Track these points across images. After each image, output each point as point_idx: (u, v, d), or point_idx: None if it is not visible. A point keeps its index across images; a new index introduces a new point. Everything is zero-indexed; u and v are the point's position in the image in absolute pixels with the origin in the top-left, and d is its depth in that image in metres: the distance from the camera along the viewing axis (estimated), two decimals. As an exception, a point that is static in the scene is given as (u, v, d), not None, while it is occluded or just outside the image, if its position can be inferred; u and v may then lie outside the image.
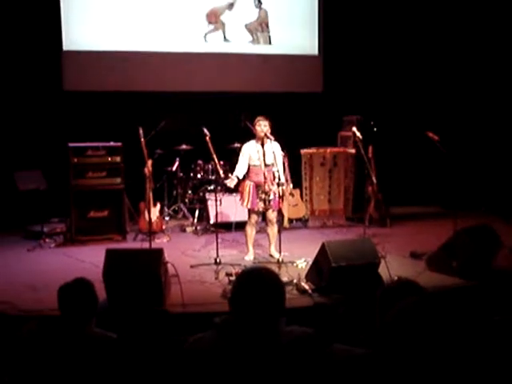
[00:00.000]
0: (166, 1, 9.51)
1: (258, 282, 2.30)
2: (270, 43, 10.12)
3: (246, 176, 6.68)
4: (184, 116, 8.85)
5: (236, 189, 6.94)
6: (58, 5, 9.05)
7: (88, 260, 6.61)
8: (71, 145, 7.84)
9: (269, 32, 10.10)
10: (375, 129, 8.54)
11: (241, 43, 9.97)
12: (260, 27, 10.06)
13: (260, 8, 9.96)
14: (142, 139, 7.10)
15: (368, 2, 9.97)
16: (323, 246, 5.56)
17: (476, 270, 5.92)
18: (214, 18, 9.76)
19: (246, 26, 9.96)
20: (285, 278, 5.65)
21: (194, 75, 9.63)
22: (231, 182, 6.63)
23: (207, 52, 9.75)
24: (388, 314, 2.05)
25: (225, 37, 9.88)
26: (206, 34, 9.72)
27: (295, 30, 10.21)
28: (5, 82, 8.75)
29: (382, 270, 5.65)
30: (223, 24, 9.83)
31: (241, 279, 2.38)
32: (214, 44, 9.82)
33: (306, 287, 5.49)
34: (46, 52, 8.96)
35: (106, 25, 9.29)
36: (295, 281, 5.63)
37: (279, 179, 6.51)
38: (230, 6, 9.81)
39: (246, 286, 2.31)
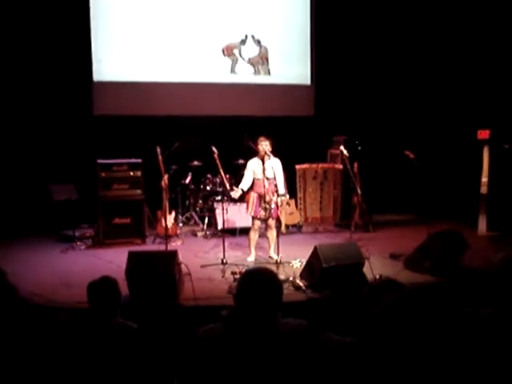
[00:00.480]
0: (180, 38, 9.49)
1: (259, 281, 2.29)
2: (269, 74, 10.13)
3: (251, 188, 6.68)
4: (195, 137, 8.83)
5: (240, 199, 6.92)
6: (90, 44, 9.09)
7: (113, 260, 6.58)
8: (99, 161, 7.83)
9: (268, 65, 10.11)
10: (360, 147, 8.52)
11: (245, 75, 9.99)
12: (261, 61, 10.07)
13: (260, 45, 10.00)
14: (160, 157, 7.09)
15: (352, 42, 9.96)
16: (315, 248, 5.54)
17: (446, 269, 5.91)
18: (229, 51, 9.80)
19: (249, 60, 9.99)
20: (282, 276, 5.63)
21: (204, 102, 9.61)
22: (235, 194, 6.61)
23: (216, 82, 9.77)
24: (374, 308, 2.04)
25: (232, 69, 9.91)
26: (232, 67, 9.80)
27: (291, 64, 10.21)
28: (44, 108, 8.76)
29: (366, 269, 5.63)
30: (236, 57, 9.87)
31: (244, 278, 2.36)
32: (223, 75, 9.85)
33: (301, 284, 5.47)
34: (79, 82, 8.97)
35: (128, 59, 9.30)
36: (291, 278, 5.60)
37: (277, 190, 6.54)
38: (243, 41, 9.86)
39: (249, 284, 2.29)
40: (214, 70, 9.76)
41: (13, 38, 8.54)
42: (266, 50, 10.04)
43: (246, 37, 9.88)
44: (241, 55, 9.90)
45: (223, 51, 9.77)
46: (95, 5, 9.09)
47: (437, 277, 5.83)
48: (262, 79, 10.08)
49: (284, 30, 10.11)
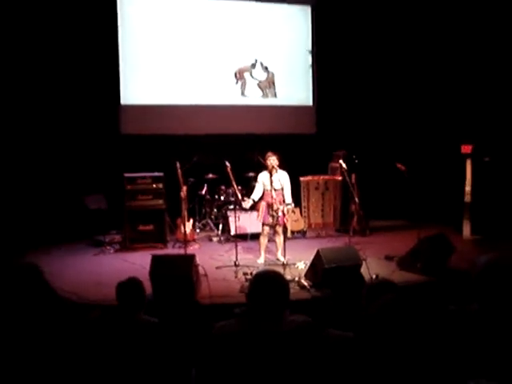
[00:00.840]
0: (196, 66, 9.54)
1: (269, 282, 2.28)
2: (276, 97, 10.16)
3: (261, 198, 6.68)
4: (210, 152, 8.85)
5: (250, 207, 6.92)
6: (118, 72, 9.18)
7: (138, 263, 6.60)
8: (126, 175, 7.87)
9: (275, 88, 10.14)
10: (357, 161, 8.49)
11: (254, 97, 10.02)
12: (268, 85, 10.10)
13: (268, 71, 10.03)
14: (179, 170, 7.09)
15: (349, 67, 9.96)
16: (318, 251, 5.53)
17: (435, 269, 5.87)
18: (241, 75, 9.84)
19: (258, 84, 10.03)
20: (288, 277, 5.62)
21: (218, 122, 9.64)
22: (247, 204, 6.63)
23: (228, 104, 9.80)
24: (371, 306, 2.03)
25: (242, 92, 9.94)
26: (242, 90, 9.85)
27: (295, 87, 10.25)
28: (79, 128, 8.82)
29: (364, 270, 5.60)
30: (246, 81, 9.90)
31: (256, 280, 2.35)
32: (234, 98, 9.89)
33: (305, 284, 5.45)
34: (109, 105, 9.06)
35: (151, 85, 9.36)
36: (296, 279, 5.59)
37: (289, 200, 6.57)
38: (253, 65, 9.89)
39: (260, 285, 2.28)
40: (227, 94, 9.80)
41: (53, 66, 8.64)
42: (272, 75, 10.08)
43: (256, 61, 9.92)
44: (252, 76, 9.93)
45: (235, 75, 9.82)
46: (123, 38, 9.18)
47: (427, 276, 5.79)
48: (270, 101, 10.11)
49: (288, 56, 10.15)
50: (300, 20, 10.23)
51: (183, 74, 9.50)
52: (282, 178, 6.59)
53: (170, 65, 9.44)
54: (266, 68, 9.98)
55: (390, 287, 2.45)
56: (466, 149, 8.31)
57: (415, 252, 6.18)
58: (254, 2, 9.85)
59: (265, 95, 10.07)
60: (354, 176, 8.13)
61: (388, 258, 6.69)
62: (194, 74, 9.54)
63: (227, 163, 6.58)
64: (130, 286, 3.20)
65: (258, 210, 6.74)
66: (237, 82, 9.84)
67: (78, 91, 8.78)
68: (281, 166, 6.63)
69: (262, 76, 10.01)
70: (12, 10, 8.31)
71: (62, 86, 8.71)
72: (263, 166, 6.71)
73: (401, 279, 5.53)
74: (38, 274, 3.29)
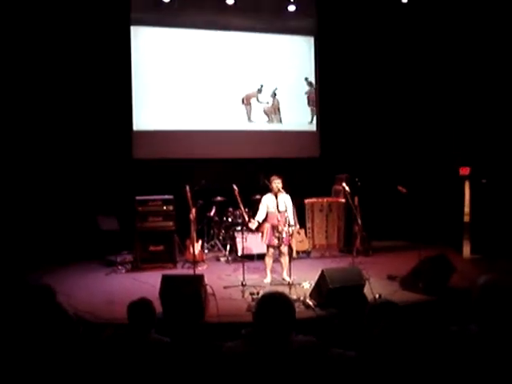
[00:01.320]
0: (203, 94, 9.67)
1: (275, 304, 2.28)
2: (281, 122, 10.24)
3: (265, 220, 6.69)
4: (219, 176, 8.91)
5: (257, 229, 6.92)
6: (131, 100, 9.32)
7: (148, 282, 6.56)
8: (137, 198, 7.90)
9: (280, 114, 10.23)
10: (359, 184, 8.49)
11: (260, 123, 10.11)
12: (274, 111, 10.20)
13: (274, 97, 10.14)
14: (188, 193, 7.13)
15: (351, 93, 10.06)
16: (322, 272, 5.51)
17: (436, 289, 5.82)
18: (247, 101, 9.95)
19: (263, 109, 10.13)
20: (294, 296, 5.60)
21: (225, 147, 9.70)
22: (253, 225, 6.64)
23: (235, 130, 9.88)
24: (373, 328, 2.03)
25: (249, 118, 10.04)
26: (249, 116, 9.95)
27: (299, 113, 10.34)
28: (93, 152, 8.93)
29: (367, 289, 5.56)
30: (251, 107, 10.00)
31: (262, 301, 2.35)
32: (241, 123, 9.98)
33: (310, 303, 5.42)
34: (121, 130, 9.18)
35: (161, 112, 9.48)
36: (302, 298, 5.55)
37: (289, 222, 6.55)
38: (259, 90, 10.00)
39: (266, 307, 2.28)
40: (234, 119, 9.90)
41: (72, 94, 8.81)
42: (278, 101, 10.18)
43: (262, 86, 10.02)
44: (258, 100, 10.02)
45: (243, 100, 9.92)
46: (136, 67, 9.35)
47: (428, 296, 5.74)
48: (275, 126, 10.18)
49: (293, 84, 10.24)
50: (303, 49, 10.37)
51: (192, 101, 9.62)
52: (286, 201, 6.62)
53: (180, 92, 9.58)
54: (274, 94, 10.09)
55: (391, 307, 2.44)
56: (464, 171, 8.33)
57: (417, 272, 6.14)
58: (259, 34, 10.00)
59: (270, 121, 10.16)
60: (356, 198, 8.11)
61: (390, 277, 6.64)
62: (202, 101, 9.66)
63: (235, 187, 6.62)
64: (141, 305, 3.21)
65: (262, 232, 6.73)
66: (246, 107, 9.95)
67: (93, 118, 8.92)
68: (285, 189, 6.65)
69: (268, 101, 10.11)
70: (31, 41, 8.51)
71: (79, 113, 8.86)
72: (268, 189, 6.74)
73: (403, 299, 5.50)
74: (51, 295, 3.31)
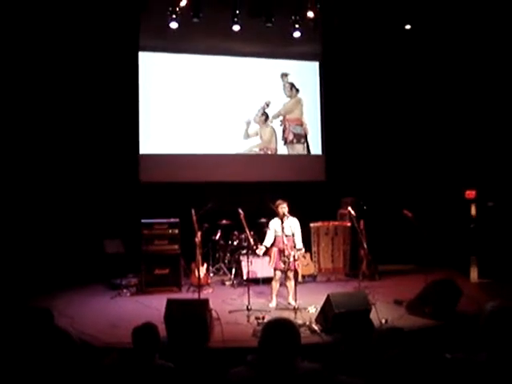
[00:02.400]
0: (209, 119, 9.76)
1: (280, 331, 2.26)
2: (287, 147, 10.31)
3: (273, 244, 6.69)
4: (224, 199, 8.93)
5: (264, 253, 6.90)
6: (138, 125, 9.43)
7: (153, 306, 6.54)
8: (143, 221, 7.92)
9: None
10: (365, 207, 8.49)
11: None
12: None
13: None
14: (194, 217, 7.15)
15: (356, 117, 10.14)
16: (328, 296, 5.46)
17: (443, 314, 5.75)
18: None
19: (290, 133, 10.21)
20: (299, 321, 5.55)
21: (231, 170, 9.77)
22: (260, 251, 6.64)
23: (240, 153, 9.95)
24: (382, 357, 2.01)
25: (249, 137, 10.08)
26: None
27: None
28: (101, 176, 9.01)
29: (373, 314, 5.50)
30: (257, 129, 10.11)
31: (267, 328, 2.34)
32: (247, 147, 10.06)
33: (316, 328, 5.36)
34: (128, 154, 9.27)
35: (168, 136, 9.58)
36: (307, 323, 5.50)
37: (299, 245, 6.57)
38: (264, 114, 10.10)
39: (271, 333, 2.27)
40: (239, 144, 9.97)
41: (79, 118, 8.95)
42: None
43: (266, 112, 10.13)
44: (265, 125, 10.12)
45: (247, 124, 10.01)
46: (143, 94, 9.49)
47: (435, 321, 5.67)
48: (281, 150, 10.23)
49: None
50: (309, 74, 10.48)
51: (198, 125, 9.72)
52: (292, 225, 6.62)
53: (186, 117, 9.68)
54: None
55: (398, 334, 2.41)
56: (470, 194, 8.31)
57: (424, 296, 6.08)
58: (264, 59, 10.15)
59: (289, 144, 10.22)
60: (362, 222, 8.08)
61: (397, 302, 6.58)
62: (207, 125, 9.76)
63: (240, 211, 6.63)
64: (145, 330, 3.19)
65: (270, 256, 6.73)
66: (246, 136, 10.04)
67: (101, 141, 9.04)
68: (291, 213, 6.66)
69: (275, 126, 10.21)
70: (41, 66, 8.67)
71: (87, 136, 8.98)
72: (274, 213, 6.74)
73: (409, 323, 5.45)
74: (49, 318, 3.31)
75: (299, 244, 6.62)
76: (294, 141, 10.26)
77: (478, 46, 9.03)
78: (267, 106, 10.10)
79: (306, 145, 10.33)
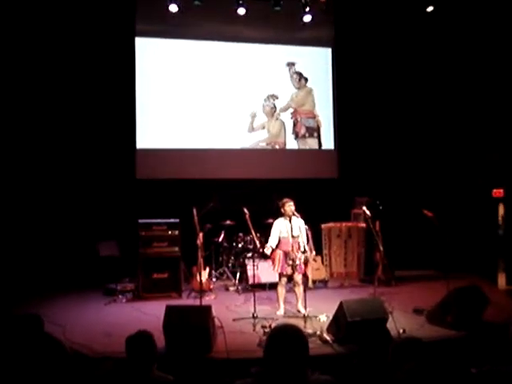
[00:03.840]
0: (211, 110, 9.78)
1: (286, 339, 2.26)
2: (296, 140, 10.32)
3: (277, 246, 6.68)
4: (228, 198, 8.93)
5: (268, 256, 6.91)
6: (135, 115, 9.43)
7: (151, 313, 6.55)
8: (140, 221, 7.94)
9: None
10: (381, 207, 8.47)
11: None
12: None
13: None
14: (195, 217, 7.13)
15: (370, 108, 10.11)
16: (341, 303, 5.45)
17: (467, 323, 5.72)
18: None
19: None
20: (309, 330, 5.54)
21: (236, 166, 9.80)
22: (268, 250, 6.65)
23: (246, 148, 9.96)
24: (399, 369, 2.00)
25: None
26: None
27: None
28: (93, 172, 9.04)
29: (390, 324, 5.48)
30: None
31: (272, 336, 2.33)
32: (251, 141, 10.06)
33: (328, 338, 5.35)
34: (125, 149, 9.28)
35: (167, 129, 9.59)
36: (318, 332, 5.49)
37: (304, 248, 6.54)
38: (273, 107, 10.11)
39: (276, 342, 2.26)
40: (243, 137, 9.98)
41: (73, 109, 9.00)
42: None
43: (275, 106, 10.13)
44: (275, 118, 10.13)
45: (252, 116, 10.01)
46: (140, 83, 9.50)
47: (458, 331, 5.64)
48: (289, 145, 10.24)
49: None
50: (320, 62, 10.44)
51: (200, 117, 9.74)
52: (301, 225, 6.61)
53: (187, 108, 9.70)
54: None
55: (417, 345, 2.40)
56: (498, 193, 8.25)
57: (445, 304, 6.05)
58: (271, 45, 10.12)
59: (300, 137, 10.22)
60: (378, 223, 8.08)
61: (416, 310, 6.54)
62: (210, 117, 9.78)
63: (245, 210, 6.62)
64: (139, 339, 3.18)
65: (273, 260, 6.71)
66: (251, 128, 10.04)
67: (94, 134, 9.07)
68: (300, 213, 6.63)
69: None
70: (32, 55, 8.74)
71: (79, 128, 9.01)
72: (281, 213, 6.71)
73: (430, 334, 5.43)
74: (39, 325, 3.32)
75: (304, 246, 6.58)
76: (307, 135, 10.26)
77: (506, 29, 8.95)
78: (276, 98, 10.08)
79: (318, 139, 10.33)
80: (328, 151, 10.43)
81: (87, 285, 8.24)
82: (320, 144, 10.35)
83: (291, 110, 10.25)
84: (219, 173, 9.63)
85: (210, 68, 9.86)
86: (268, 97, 10.09)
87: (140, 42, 9.55)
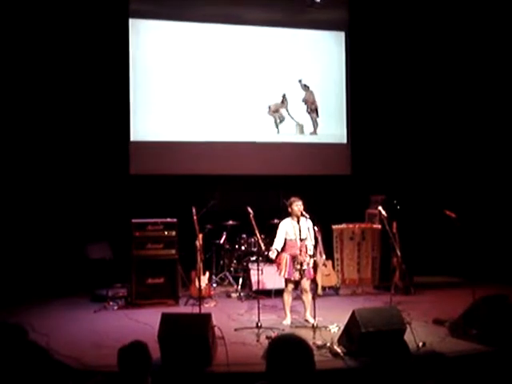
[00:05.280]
0: (212, 100, 9.77)
1: (288, 351, 2.24)
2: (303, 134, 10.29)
3: (283, 249, 6.65)
4: (230, 196, 8.94)
5: (273, 260, 6.89)
6: (128, 106, 9.44)
7: (145, 321, 6.55)
8: (134, 220, 7.93)
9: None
10: (398, 207, 8.46)
11: (282, 134, 10.16)
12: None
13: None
14: (195, 216, 7.10)
15: (387, 99, 10.10)
16: (353, 313, 5.43)
17: (494, 337, 5.68)
18: (274, 111, 10.08)
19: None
20: (319, 342, 5.53)
21: (239, 161, 9.81)
22: (273, 254, 6.63)
23: (250, 141, 9.96)
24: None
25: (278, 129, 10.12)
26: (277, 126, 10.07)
27: (328, 125, 10.37)
28: (82, 168, 9.05)
29: (408, 336, 5.47)
30: (279, 116, 10.12)
31: (273, 348, 2.31)
32: (257, 135, 10.04)
33: (339, 350, 5.34)
34: (118, 142, 9.29)
35: (164, 120, 9.59)
36: (328, 344, 5.47)
37: (313, 251, 6.53)
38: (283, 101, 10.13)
39: (278, 353, 2.25)
40: (248, 130, 9.97)
41: (61, 98, 9.01)
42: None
43: (284, 95, 10.11)
44: (287, 112, 10.12)
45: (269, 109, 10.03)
46: (135, 69, 9.52)
47: (485, 346, 5.61)
48: (297, 138, 10.22)
49: (321, 91, 10.32)
50: (332, 47, 10.44)
51: (199, 107, 9.74)
52: (310, 227, 6.60)
53: (186, 97, 9.70)
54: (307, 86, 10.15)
55: (437, 360, 2.39)
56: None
57: (470, 315, 6.02)
58: (278, 28, 10.08)
59: (297, 132, 10.20)
60: (395, 224, 8.02)
61: (437, 321, 6.52)
62: (211, 107, 9.78)
63: (250, 210, 6.61)
64: (133, 351, 3.18)
65: (279, 264, 6.66)
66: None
67: (84, 125, 9.08)
68: (309, 213, 6.59)
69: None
70: (24, 50, 8.75)
71: (68, 118, 9.03)
72: (288, 213, 6.68)
73: (452, 348, 5.40)
74: (23, 334, 3.32)
75: (312, 250, 6.57)
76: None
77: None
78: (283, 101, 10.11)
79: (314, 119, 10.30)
80: (340, 145, 10.41)
81: (75, 290, 8.26)
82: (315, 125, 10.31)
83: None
84: (221, 168, 9.64)
85: (210, 53, 9.85)
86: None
87: (134, 23, 9.52)
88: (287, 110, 10.10)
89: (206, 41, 9.85)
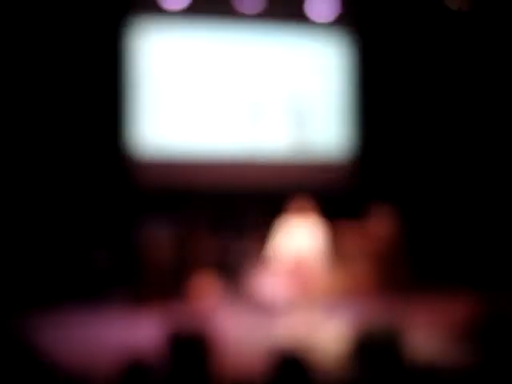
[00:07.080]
0: (218, 107, 9.79)
1: (288, 368, 2.54)
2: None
3: (283, 257, 6.88)
4: (230, 208, 8.98)
5: (271, 272, 7.24)
6: (135, 114, 9.47)
7: (147, 331, 6.47)
8: (137, 226, 8.23)
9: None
10: (404, 213, 8.56)
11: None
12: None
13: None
14: (200, 223, 7.54)
15: (385, 101, 10.17)
16: (350, 321, 5.70)
17: (503, 351, 5.57)
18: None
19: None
20: (314, 353, 5.58)
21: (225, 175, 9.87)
22: (272, 266, 7.02)
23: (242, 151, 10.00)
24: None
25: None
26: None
27: (328, 132, 10.40)
28: (87, 178, 9.17)
29: (409, 347, 5.56)
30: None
31: (273, 365, 2.55)
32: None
33: (334, 362, 5.29)
34: (119, 153, 9.39)
35: (166, 130, 9.64)
36: (323, 356, 5.45)
37: (312, 258, 6.79)
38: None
39: (279, 371, 2.50)
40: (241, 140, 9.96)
41: (62, 104, 9.11)
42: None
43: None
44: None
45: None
46: (142, 82, 9.52)
47: (491, 359, 5.63)
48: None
49: (320, 94, 10.33)
50: (336, 44, 10.39)
51: (203, 117, 9.69)
52: (310, 234, 6.78)
53: (191, 101, 9.71)
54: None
55: (438, 373, 2.49)
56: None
57: (477, 326, 6.01)
58: (274, 24, 9.86)
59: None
60: (400, 230, 8.19)
61: (440, 331, 6.60)
62: (212, 115, 9.73)
63: (251, 219, 7.00)
64: (133, 374, 3.23)
65: (280, 273, 6.90)
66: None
67: (88, 141, 9.09)
68: (307, 217, 6.79)
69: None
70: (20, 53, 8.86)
71: (61, 117, 9.06)
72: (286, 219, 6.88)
73: (456, 361, 5.46)
74: (14, 335, 3.51)
75: (314, 258, 6.78)
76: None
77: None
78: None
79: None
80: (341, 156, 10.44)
81: (71, 296, 8.31)
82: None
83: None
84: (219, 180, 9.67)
85: (212, 69, 9.71)
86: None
87: (137, 27, 9.46)
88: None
89: (208, 58, 9.70)
